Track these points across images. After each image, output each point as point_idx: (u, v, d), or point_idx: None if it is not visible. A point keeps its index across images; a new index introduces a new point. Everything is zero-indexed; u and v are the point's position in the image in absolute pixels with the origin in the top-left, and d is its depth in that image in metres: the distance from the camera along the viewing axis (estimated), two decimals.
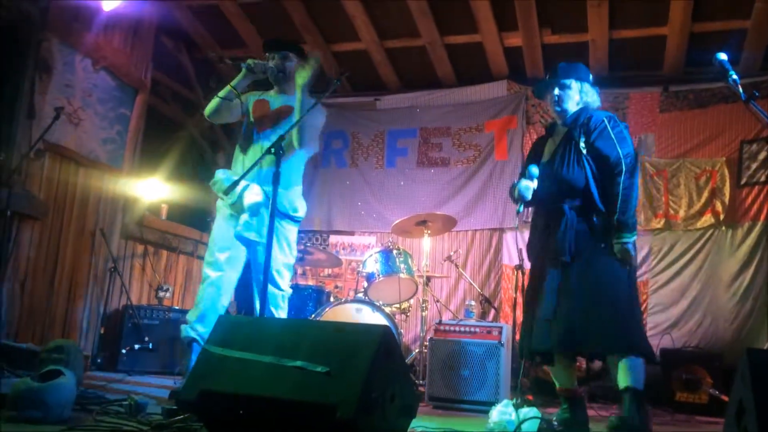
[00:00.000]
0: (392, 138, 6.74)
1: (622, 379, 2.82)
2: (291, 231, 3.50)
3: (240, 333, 2.24)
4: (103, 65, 5.33)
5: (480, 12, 5.58)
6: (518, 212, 3.15)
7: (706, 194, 5.61)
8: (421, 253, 5.28)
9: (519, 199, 3.11)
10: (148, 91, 5.88)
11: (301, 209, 3.51)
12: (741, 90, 2.61)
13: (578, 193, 3.03)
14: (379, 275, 4.96)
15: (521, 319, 3.20)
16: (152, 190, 5.79)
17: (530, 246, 3.26)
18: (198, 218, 6.53)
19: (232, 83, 3.48)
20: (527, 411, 2.56)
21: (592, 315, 2.85)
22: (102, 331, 5.27)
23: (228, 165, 3.77)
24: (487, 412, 2.96)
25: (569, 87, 3.15)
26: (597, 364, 4.75)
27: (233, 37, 6.28)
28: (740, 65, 5.52)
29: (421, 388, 4.39)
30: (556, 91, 3.14)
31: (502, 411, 2.67)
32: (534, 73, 6.16)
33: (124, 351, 5.07)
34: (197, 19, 6.15)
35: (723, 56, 2.70)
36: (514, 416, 2.58)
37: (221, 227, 3.49)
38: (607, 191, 2.98)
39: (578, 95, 3.16)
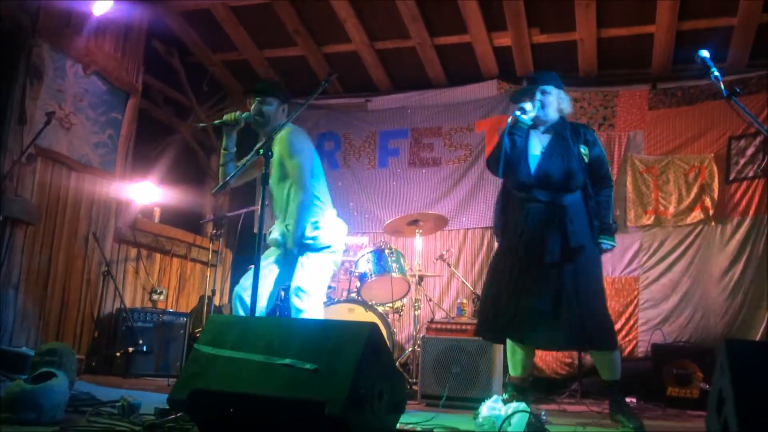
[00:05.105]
0: (384, 138, 6.77)
1: (610, 373, 3.19)
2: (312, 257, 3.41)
3: (230, 332, 2.27)
4: (94, 70, 5.34)
5: (469, 12, 5.62)
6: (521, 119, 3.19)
7: (695, 190, 5.65)
8: (414, 253, 5.31)
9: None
10: (140, 95, 5.90)
11: (323, 237, 3.36)
12: (722, 86, 2.66)
13: (576, 188, 3.19)
14: (371, 275, 4.98)
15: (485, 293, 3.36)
16: (145, 193, 5.80)
17: (517, 231, 3.23)
18: (191, 221, 6.55)
19: (225, 149, 3.47)
20: (516, 405, 2.58)
21: (594, 313, 3.08)
22: (96, 335, 5.29)
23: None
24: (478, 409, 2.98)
25: (550, 93, 3.28)
26: (589, 360, 4.79)
27: (224, 41, 6.31)
28: (727, 62, 5.59)
29: (414, 387, 4.42)
30: (539, 96, 3.25)
31: (491, 406, 2.68)
32: (524, 73, 6.19)
33: (118, 354, 5.08)
34: (188, 23, 6.17)
35: (705, 53, 2.74)
36: (503, 411, 2.59)
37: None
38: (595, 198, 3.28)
39: (556, 102, 3.30)
